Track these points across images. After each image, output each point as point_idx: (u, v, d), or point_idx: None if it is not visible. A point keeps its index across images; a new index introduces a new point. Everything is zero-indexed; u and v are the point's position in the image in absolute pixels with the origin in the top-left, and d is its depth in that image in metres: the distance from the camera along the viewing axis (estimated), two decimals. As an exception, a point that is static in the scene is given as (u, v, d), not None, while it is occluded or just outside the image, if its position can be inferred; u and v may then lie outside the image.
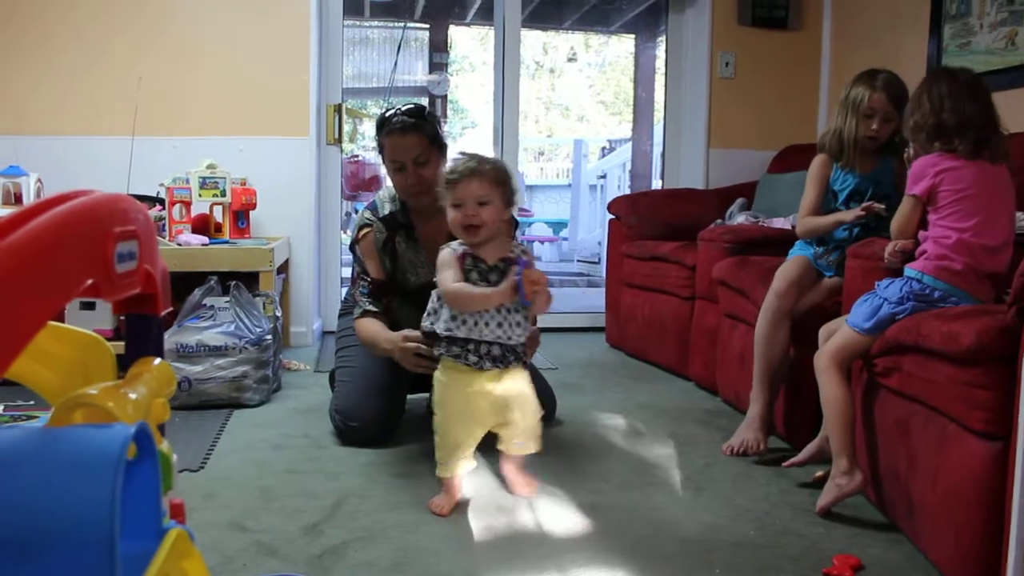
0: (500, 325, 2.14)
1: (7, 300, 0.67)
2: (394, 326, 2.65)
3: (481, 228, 2.12)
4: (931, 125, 2.21)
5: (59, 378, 1.28)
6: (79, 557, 0.70)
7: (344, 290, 3.72)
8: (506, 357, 2.17)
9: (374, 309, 2.71)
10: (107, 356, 1.34)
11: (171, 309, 1.28)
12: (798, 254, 2.79)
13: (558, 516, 2.14)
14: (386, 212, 2.77)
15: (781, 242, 3.11)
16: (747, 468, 2.51)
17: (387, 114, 2.69)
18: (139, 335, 1.29)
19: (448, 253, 2.17)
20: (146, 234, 0.98)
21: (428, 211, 2.70)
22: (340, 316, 3.09)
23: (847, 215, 2.62)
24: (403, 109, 2.68)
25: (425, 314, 2.24)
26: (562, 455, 2.59)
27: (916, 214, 2.23)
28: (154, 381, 1.22)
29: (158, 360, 1.26)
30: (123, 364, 1.27)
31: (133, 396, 1.13)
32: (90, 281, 0.81)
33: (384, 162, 2.72)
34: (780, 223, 3.61)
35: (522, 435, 2.23)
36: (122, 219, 0.88)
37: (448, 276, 2.14)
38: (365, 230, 2.76)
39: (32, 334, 0.70)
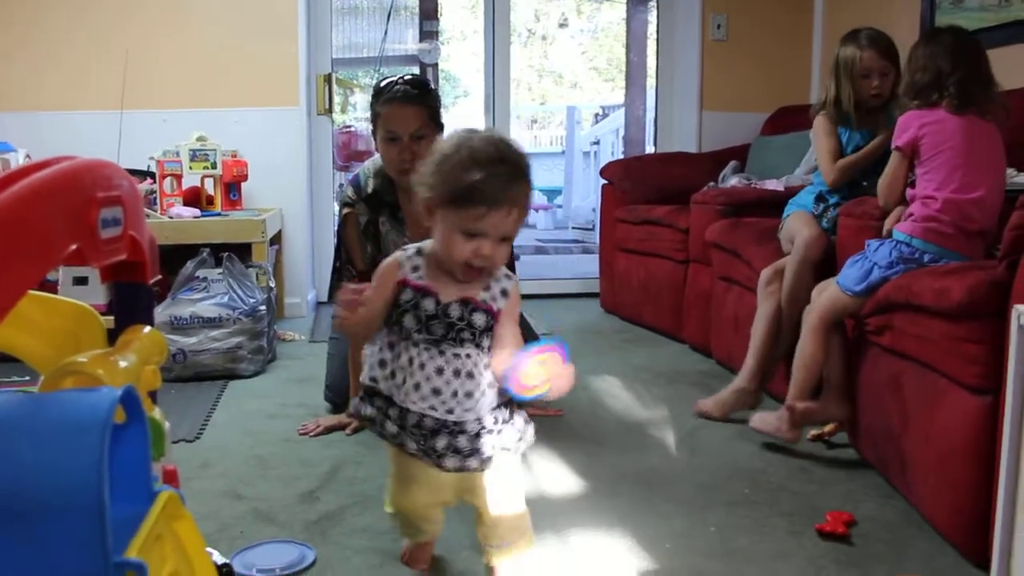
0: (437, 392, 1.43)
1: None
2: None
3: (486, 270, 1.46)
4: (907, 84, 2.24)
5: (50, 349, 1.28)
6: (69, 520, 0.70)
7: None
8: (448, 443, 1.45)
9: None
10: (97, 326, 1.34)
11: (160, 277, 1.27)
12: (798, 210, 2.77)
13: (554, 478, 2.16)
14: (370, 190, 2.63)
15: (774, 204, 3.11)
16: (741, 429, 2.52)
17: (386, 82, 2.54)
18: (128, 303, 1.28)
19: (390, 264, 1.53)
20: (131, 200, 0.98)
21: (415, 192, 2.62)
22: None
23: (881, 140, 2.58)
24: (405, 78, 2.53)
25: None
26: (557, 419, 2.60)
27: (902, 169, 2.24)
28: (144, 349, 1.22)
29: (148, 328, 1.26)
30: (114, 336, 1.27)
31: (123, 363, 1.13)
32: (75, 246, 0.81)
33: (375, 132, 2.54)
34: (773, 185, 3.60)
35: (498, 535, 1.57)
36: (105, 184, 0.87)
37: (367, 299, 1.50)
38: (346, 210, 2.64)
39: (16, 298, 0.70)
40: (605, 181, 4.48)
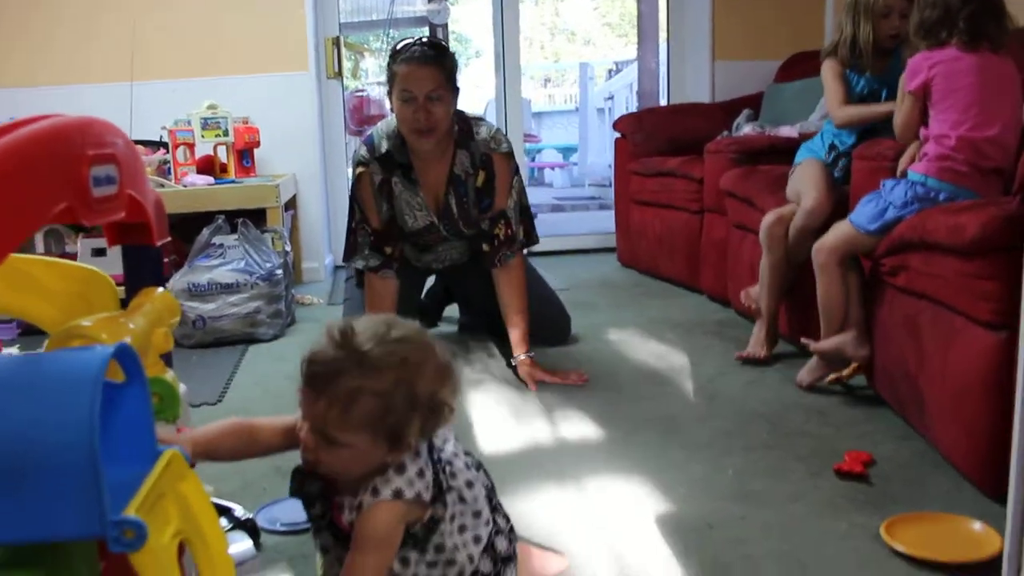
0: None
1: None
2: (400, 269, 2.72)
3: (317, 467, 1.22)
4: (916, 23, 2.19)
5: (60, 312, 1.29)
6: (64, 478, 0.69)
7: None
8: None
9: (376, 263, 2.67)
10: (109, 290, 1.35)
11: (168, 240, 1.27)
12: (810, 157, 2.74)
13: (572, 426, 2.17)
14: (383, 150, 2.63)
15: (788, 150, 3.07)
16: (759, 375, 2.52)
17: (403, 43, 2.55)
18: (137, 266, 1.29)
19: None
20: (127, 159, 0.97)
21: (428, 155, 2.62)
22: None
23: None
24: (423, 40, 2.58)
25: None
26: (575, 369, 2.60)
27: (916, 111, 2.20)
28: (154, 311, 1.23)
29: (160, 290, 1.27)
30: (128, 301, 1.28)
31: (131, 326, 1.14)
32: (64, 204, 0.80)
33: (391, 93, 2.54)
34: (787, 131, 3.55)
35: None
36: (97, 142, 0.87)
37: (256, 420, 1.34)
38: (360, 169, 2.66)
39: (3, 255, 0.70)
40: (618, 134, 4.45)
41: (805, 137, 3.16)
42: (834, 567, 1.48)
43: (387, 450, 1.17)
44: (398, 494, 1.16)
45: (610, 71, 11.37)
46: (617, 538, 1.60)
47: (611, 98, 9.16)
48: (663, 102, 6.00)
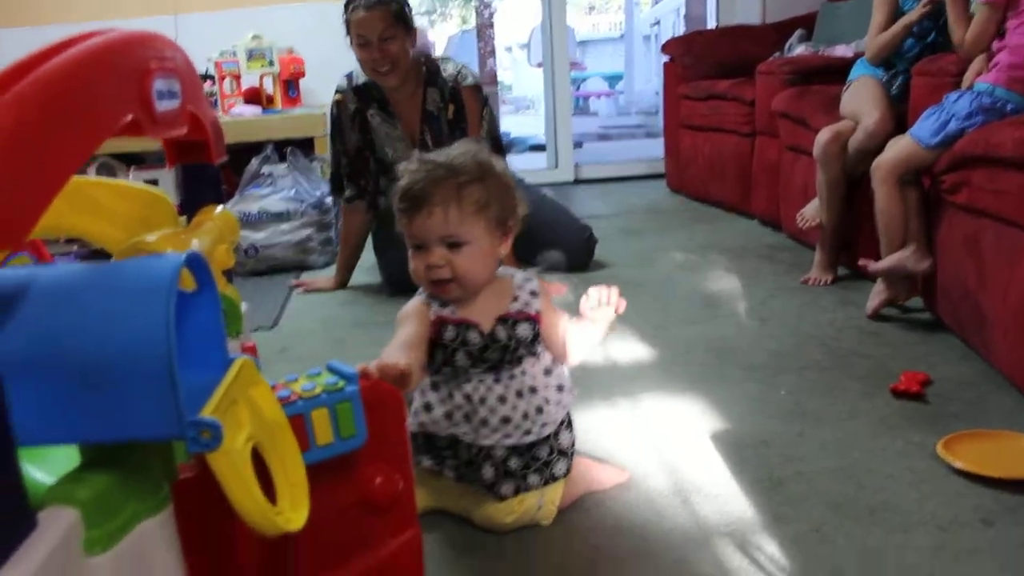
0: (507, 421, 1.36)
1: (44, 131, 0.67)
2: (373, 203, 2.81)
3: (452, 284, 1.34)
4: None
5: (123, 233, 1.31)
6: (142, 382, 0.70)
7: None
8: (521, 465, 1.38)
9: (351, 193, 2.80)
10: (169, 211, 1.36)
11: (226, 159, 1.28)
12: (867, 74, 2.67)
13: (624, 348, 2.17)
14: (361, 82, 2.76)
15: (842, 70, 2.99)
16: (813, 297, 2.49)
17: None
18: (196, 185, 1.31)
19: (417, 306, 1.39)
20: (187, 74, 0.97)
21: (400, 94, 2.73)
22: None
23: (912, 14, 2.51)
24: None
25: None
26: (624, 293, 2.60)
27: (992, 24, 2.11)
28: (216, 228, 1.24)
29: (220, 208, 1.29)
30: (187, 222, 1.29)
31: (193, 242, 1.15)
32: (130, 117, 0.81)
33: (351, 43, 2.68)
34: (842, 51, 3.46)
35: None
36: (159, 55, 0.87)
37: (398, 337, 1.34)
38: (337, 97, 2.80)
39: (73, 168, 0.70)
40: (667, 58, 4.37)
41: (861, 56, 3.08)
42: (890, 484, 1.47)
43: (499, 238, 1.36)
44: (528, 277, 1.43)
45: (656, -4, 11.13)
46: (674, 453, 1.61)
47: (657, 23, 8.98)
48: (711, 26, 5.87)
